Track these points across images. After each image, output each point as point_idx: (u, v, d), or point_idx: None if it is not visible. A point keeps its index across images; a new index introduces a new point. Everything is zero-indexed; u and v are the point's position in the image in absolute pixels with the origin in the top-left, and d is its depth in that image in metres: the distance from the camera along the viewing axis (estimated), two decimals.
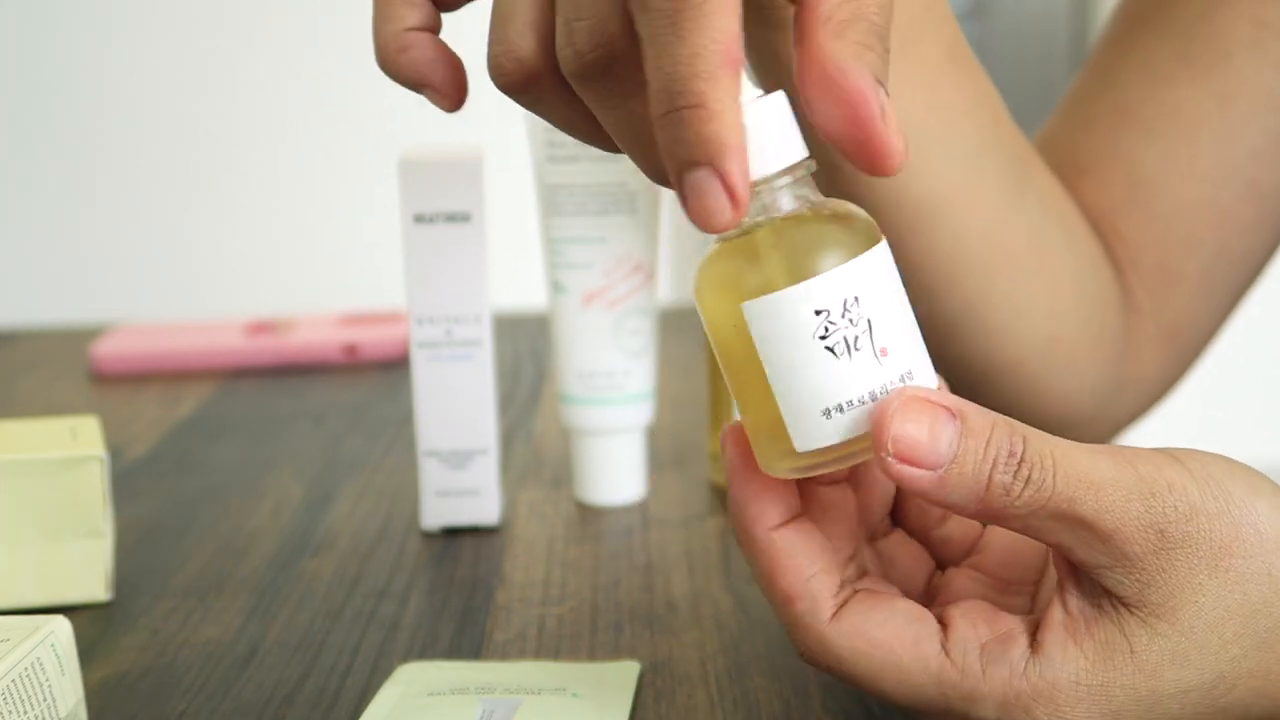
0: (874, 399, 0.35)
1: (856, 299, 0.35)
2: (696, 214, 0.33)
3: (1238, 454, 0.38)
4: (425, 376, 0.57)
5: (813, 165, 0.35)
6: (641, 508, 0.61)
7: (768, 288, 0.35)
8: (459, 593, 0.53)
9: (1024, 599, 0.40)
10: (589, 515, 0.60)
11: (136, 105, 1.15)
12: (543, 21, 0.36)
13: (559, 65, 0.35)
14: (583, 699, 0.43)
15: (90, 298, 1.15)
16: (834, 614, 0.37)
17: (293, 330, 0.90)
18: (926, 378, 0.36)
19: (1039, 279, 0.56)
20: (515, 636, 0.49)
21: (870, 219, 0.36)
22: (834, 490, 0.40)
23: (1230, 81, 0.58)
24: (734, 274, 0.36)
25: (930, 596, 0.41)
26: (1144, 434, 0.58)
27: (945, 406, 0.35)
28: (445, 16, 0.40)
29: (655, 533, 0.58)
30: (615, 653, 0.47)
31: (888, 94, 0.34)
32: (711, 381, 0.62)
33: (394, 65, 0.39)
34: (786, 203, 0.35)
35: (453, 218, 0.56)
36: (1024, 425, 0.36)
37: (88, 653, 0.47)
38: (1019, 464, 0.35)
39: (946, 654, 0.36)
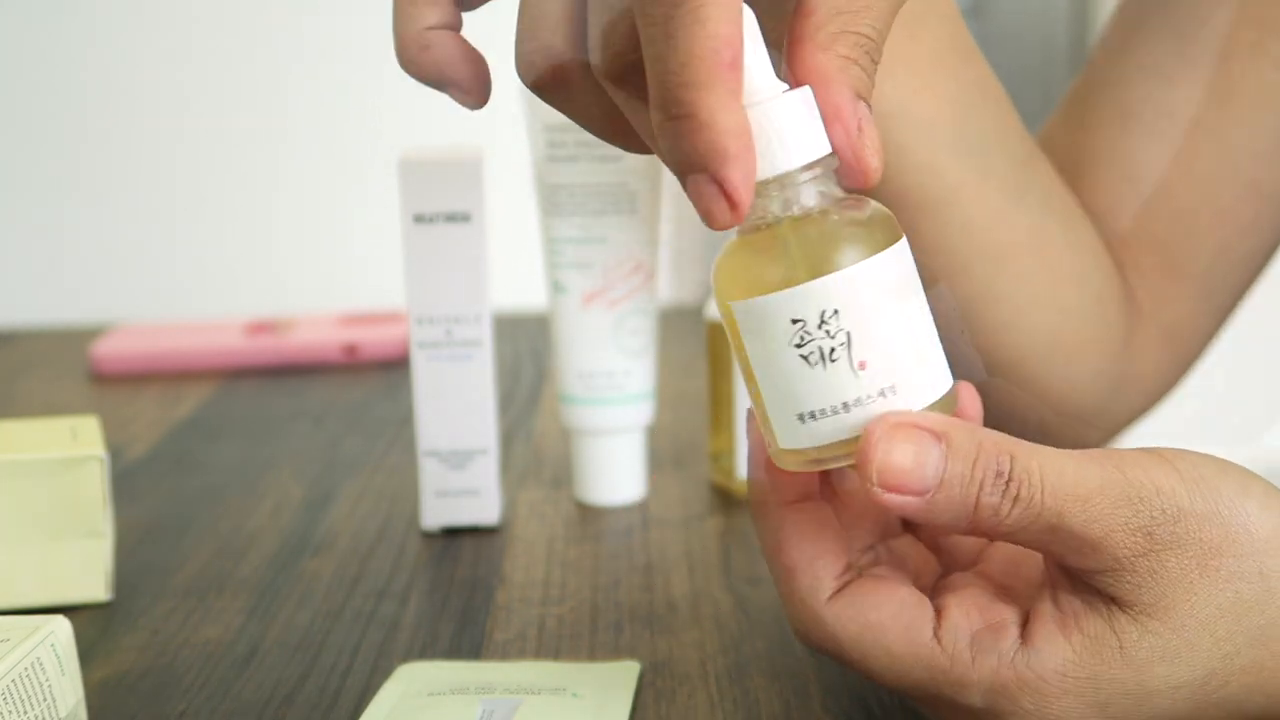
0: (847, 409, 0.35)
1: (836, 311, 0.35)
2: (701, 215, 0.33)
3: (1241, 453, 0.38)
4: (425, 376, 0.57)
5: (835, 161, 0.35)
6: (641, 508, 0.61)
7: (756, 290, 0.35)
8: (459, 593, 0.53)
9: (1026, 603, 0.41)
10: (589, 515, 0.60)
11: (136, 105, 1.15)
12: (574, 20, 0.36)
13: (590, 65, 0.35)
14: (583, 699, 0.43)
15: (90, 298, 1.15)
16: (833, 594, 0.38)
17: (293, 330, 0.90)
18: (917, 390, 0.36)
19: (1042, 276, 0.56)
20: (515, 636, 0.49)
21: (890, 218, 0.36)
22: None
23: (1230, 82, 0.58)
24: (735, 269, 0.36)
25: (934, 596, 0.41)
26: (1144, 434, 0.58)
27: (930, 430, 0.35)
28: (466, 16, 0.40)
29: (655, 533, 0.58)
30: (615, 653, 0.47)
31: (870, 108, 0.34)
32: (712, 381, 0.62)
33: (416, 64, 0.38)
34: (807, 198, 0.35)
35: (453, 218, 0.56)
36: (1010, 440, 0.36)
37: (88, 653, 0.47)
38: (1006, 483, 0.35)
39: (938, 640, 0.36)
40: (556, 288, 0.59)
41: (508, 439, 0.71)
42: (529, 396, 0.80)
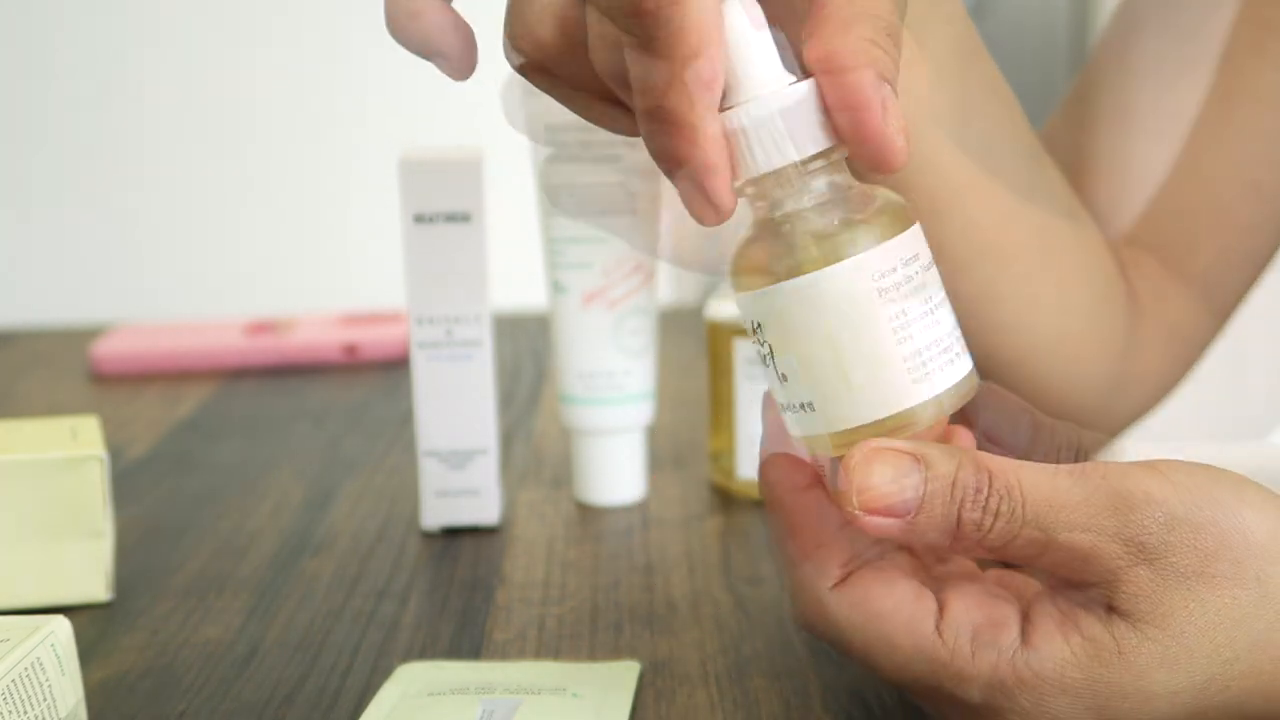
0: (780, 410, 0.37)
1: (759, 325, 0.36)
2: (691, 215, 0.35)
3: (1242, 452, 0.38)
4: (425, 376, 0.57)
5: (839, 153, 0.35)
6: (641, 508, 0.61)
7: (743, 286, 0.36)
8: (459, 593, 0.53)
9: (1027, 600, 0.41)
10: (589, 515, 0.60)
11: (136, 105, 1.15)
12: (562, 7, 0.36)
13: (587, 59, 0.35)
14: (583, 699, 0.43)
15: (90, 298, 1.15)
16: (837, 583, 0.38)
17: (293, 330, 0.90)
18: (841, 413, 0.36)
19: (1046, 276, 0.56)
20: (515, 636, 0.49)
21: (894, 212, 0.36)
22: None
23: (1230, 82, 0.58)
24: (734, 262, 0.37)
25: (937, 591, 0.41)
26: (1144, 433, 0.58)
27: (909, 453, 0.36)
28: None
29: (655, 533, 0.58)
30: (615, 653, 0.47)
31: (895, 91, 0.34)
32: (712, 381, 0.62)
33: (404, 32, 0.39)
34: (808, 192, 0.35)
35: (453, 218, 0.56)
36: (989, 457, 0.36)
37: (88, 653, 0.47)
38: (986, 499, 0.35)
39: (939, 634, 0.36)
40: (556, 288, 0.59)
41: (508, 439, 0.71)
42: (529, 396, 0.80)
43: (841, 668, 0.45)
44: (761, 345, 0.36)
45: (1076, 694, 0.35)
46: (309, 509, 0.62)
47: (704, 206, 0.34)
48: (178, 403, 0.80)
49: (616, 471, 0.61)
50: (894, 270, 0.35)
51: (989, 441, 0.42)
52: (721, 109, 0.35)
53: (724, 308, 0.61)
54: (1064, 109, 0.63)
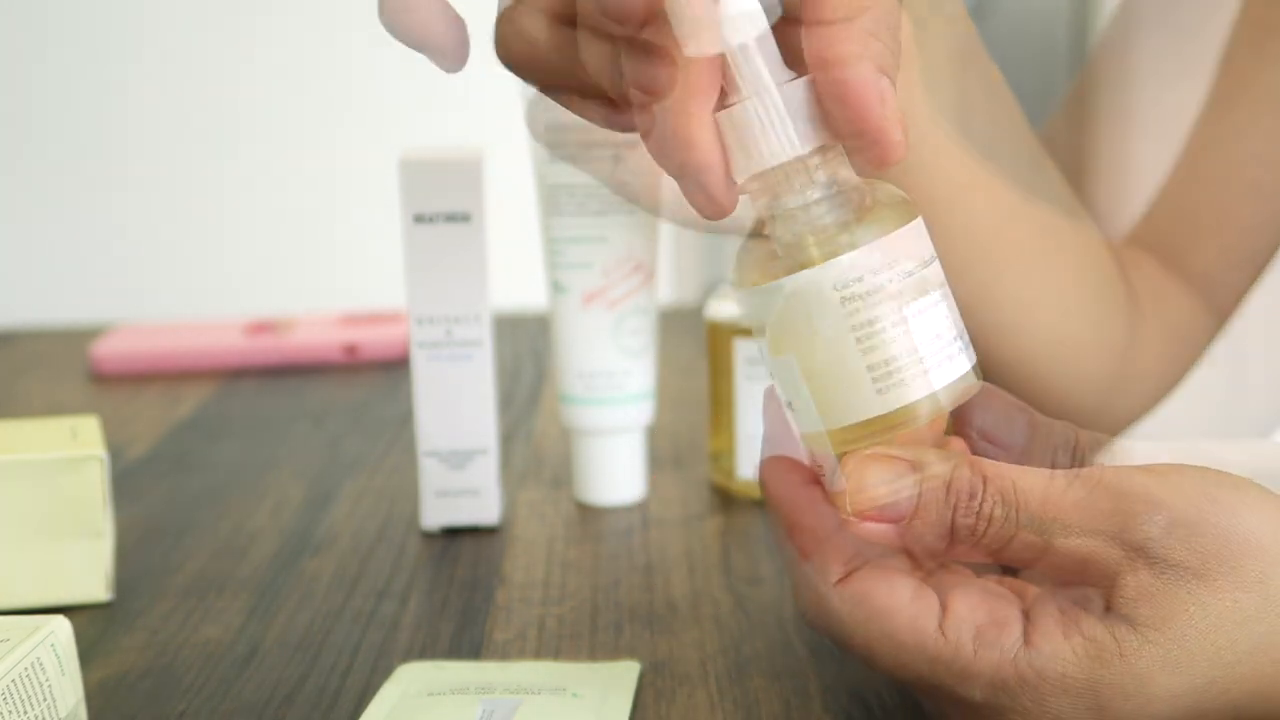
0: (784, 407, 0.38)
1: (760, 322, 0.37)
2: (694, 209, 0.36)
3: (1242, 451, 0.38)
4: (425, 376, 0.57)
5: (837, 149, 0.35)
6: (641, 508, 0.61)
7: (739, 284, 0.37)
8: (459, 593, 0.53)
9: (1030, 600, 0.41)
10: (589, 515, 0.60)
11: (136, 105, 1.15)
12: (552, 5, 0.36)
13: (579, 58, 0.36)
14: (583, 699, 0.43)
15: (90, 298, 1.15)
16: (841, 579, 0.38)
17: (293, 330, 0.90)
18: (839, 409, 0.36)
19: (1046, 277, 0.56)
20: (515, 636, 0.49)
21: (872, 224, 0.36)
22: None
23: (1231, 82, 0.58)
24: (735, 259, 0.38)
25: (940, 590, 0.41)
26: (1143, 433, 0.58)
27: (903, 459, 0.36)
28: None
29: (655, 533, 0.58)
30: (615, 653, 0.47)
31: (894, 85, 0.34)
32: (712, 381, 0.62)
33: (397, 24, 0.39)
34: (808, 188, 0.35)
35: (453, 218, 0.56)
36: (985, 462, 0.36)
37: (88, 653, 0.47)
38: (980, 503, 0.36)
39: (943, 632, 0.36)
40: (556, 288, 0.59)
41: (508, 439, 0.71)
42: (529, 396, 0.80)
43: (841, 668, 0.45)
44: (762, 342, 0.36)
45: (1078, 694, 0.35)
46: (309, 509, 0.62)
47: (704, 202, 0.35)
48: (178, 403, 0.80)
49: (616, 471, 0.61)
50: (893, 265, 0.35)
51: (986, 442, 0.42)
52: (720, 106, 0.35)
53: (724, 308, 0.61)
54: (1064, 109, 0.63)
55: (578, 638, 0.49)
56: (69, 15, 1.13)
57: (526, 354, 0.90)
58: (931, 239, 0.37)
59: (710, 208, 0.35)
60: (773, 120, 0.34)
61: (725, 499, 0.62)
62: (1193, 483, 0.36)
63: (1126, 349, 0.59)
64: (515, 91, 0.47)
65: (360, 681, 0.46)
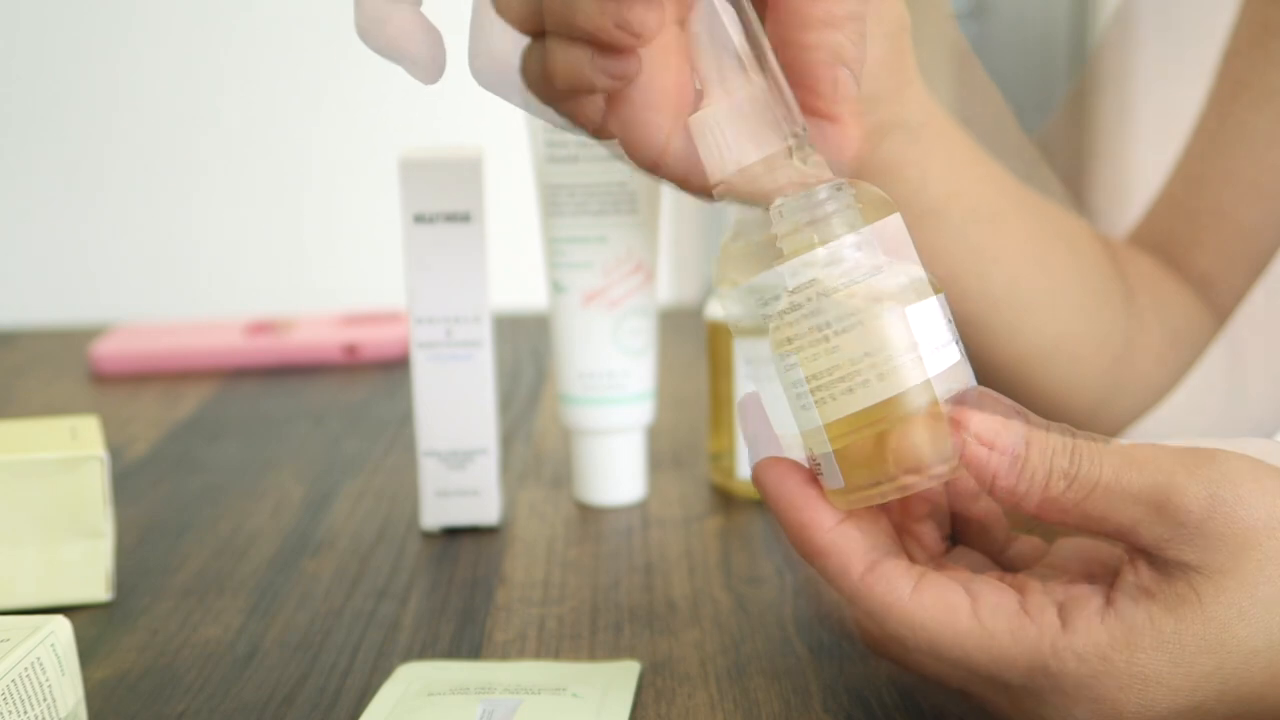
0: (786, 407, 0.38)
1: (742, 322, 0.38)
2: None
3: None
4: (425, 376, 0.57)
5: (808, 147, 0.36)
6: (641, 508, 0.61)
7: (721, 284, 0.38)
8: (459, 593, 0.53)
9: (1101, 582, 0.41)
10: (589, 515, 0.60)
11: (136, 105, 1.15)
12: (522, 22, 0.36)
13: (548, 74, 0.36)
14: (583, 699, 0.43)
15: (90, 298, 1.15)
16: (868, 569, 0.37)
17: (293, 330, 0.90)
18: (834, 404, 0.36)
19: (1043, 279, 0.56)
20: (515, 636, 0.49)
21: (847, 218, 0.36)
22: None
23: (1231, 82, 0.58)
24: (717, 261, 0.38)
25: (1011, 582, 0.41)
26: (1143, 433, 0.58)
27: (1011, 405, 0.37)
28: None
29: (655, 533, 0.58)
30: (615, 653, 0.47)
31: (856, 74, 0.34)
32: (712, 381, 0.62)
33: (372, 37, 0.39)
34: (780, 187, 0.36)
35: (453, 218, 0.56)
36: (1066, 426, 0.37)
37: (88, 653, 0.47)
38: (1072, 451, 0.36)
39: (1026, 613, 0.36)
40: (556, 288, 0.59)
41: (508, 439, 0.71)
42: (529, 396, 0.80)
43: (841, 667, 0.45)
44: (751, 341, 0.37)
45: (1165, 648, 0.35)
46: (309, 509, 0.62)
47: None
48: (178, 403, 0.80)
49: (616, 471, 0.61)
50: (877, 256, 0.36)
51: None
52: (694, 111, 0.35)
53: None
54: (1064, 109, 0.63)
55: (578, 638, 0.49)
56: (69, 15, 1.13)
57: (526, 354, 0.90)
58: (928, 242, 0.38)
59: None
60: (742, 121, 0.35)
61: (725, 499, 0.62)
62: (1252, 451, 0.36)
63: (1125, 350, 0.59)
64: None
65: (360, 681, 0.46)
